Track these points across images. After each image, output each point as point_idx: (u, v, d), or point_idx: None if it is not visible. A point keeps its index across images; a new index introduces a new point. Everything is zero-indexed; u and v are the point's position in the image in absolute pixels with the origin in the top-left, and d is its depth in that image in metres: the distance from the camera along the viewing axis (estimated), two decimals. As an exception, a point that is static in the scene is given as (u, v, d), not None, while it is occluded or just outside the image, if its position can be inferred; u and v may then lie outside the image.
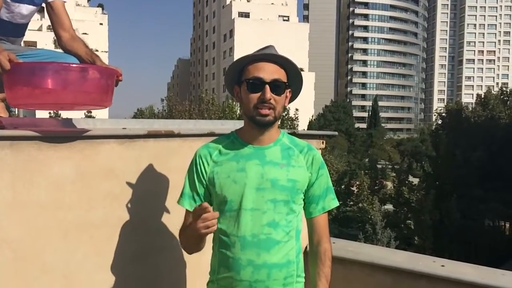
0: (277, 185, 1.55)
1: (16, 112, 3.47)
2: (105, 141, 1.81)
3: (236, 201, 1.55)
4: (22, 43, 2.31)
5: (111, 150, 1.83)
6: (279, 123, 1.66)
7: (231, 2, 68.41)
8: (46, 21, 56.98)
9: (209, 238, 1.68)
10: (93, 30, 59.87)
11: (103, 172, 1.81)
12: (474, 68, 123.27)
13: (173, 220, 2.02)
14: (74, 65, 1.66)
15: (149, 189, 1.98)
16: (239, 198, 1.54)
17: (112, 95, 1.68)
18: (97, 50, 59.56)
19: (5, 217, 1.53)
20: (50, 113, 39.11)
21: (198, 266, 1.91)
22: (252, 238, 1.52)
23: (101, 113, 52.20)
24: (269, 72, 1.54)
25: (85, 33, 59.00)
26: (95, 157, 1.79)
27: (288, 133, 1.74)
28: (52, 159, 1.64)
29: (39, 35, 53.33)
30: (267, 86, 1.52)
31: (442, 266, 2.35)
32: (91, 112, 43.72)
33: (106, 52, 61.50)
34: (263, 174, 1.55)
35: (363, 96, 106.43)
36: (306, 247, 2.76)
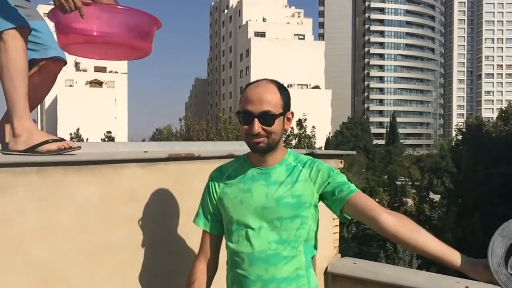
0: (281, 203, 1.57)
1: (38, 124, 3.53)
2: (127, 165, 1.86)
3: (242, 221, 1.60)
4: None
5: (133, 173, 1.88)
6: (282, 143, 1.67)
7: (247, 22, 69.34)
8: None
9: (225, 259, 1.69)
10: (113, 53, 61.07)
11: (125, 195, 1.85)
12: (493, 82, 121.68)
13: (194, 241, 2.04)
14: (135, 11, 1.81)
15: (170, 211, 2.01)
16: (246, 218, 1.59)
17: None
18: (116, 72, 60.79)
19: (32, 241, 1.57)
20: (71, 134, 39.78)
21: (218, 286, 1.92)
22: (259, 254, 1.56)
23: (120, 133, 52.97)
24: (259, 103, 1.52)
25: (105, 56, 60.27)
26: (118, 180, 1.83)
27: (306, 153, 1.75)
28: (77, 184, 1.69)
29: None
30: (256, 120, 1.52)
31: (466, 287, 2.31)
32: (110, 132, 44.32)
33: (125, 73, 62.71)
34: (267, 193, 1.59)
35: (380, 112, 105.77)
36: (327, 267, 2.75)
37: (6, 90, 1.83)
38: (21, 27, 1.84)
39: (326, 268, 2.75)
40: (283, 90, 1.60)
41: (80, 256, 1.70)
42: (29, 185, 1.56)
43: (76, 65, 57.19)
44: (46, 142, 1.78)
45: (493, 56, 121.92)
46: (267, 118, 1.53)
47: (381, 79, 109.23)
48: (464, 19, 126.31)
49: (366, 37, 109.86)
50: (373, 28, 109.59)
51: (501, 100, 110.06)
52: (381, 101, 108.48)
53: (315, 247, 1.67)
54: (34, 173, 1.58)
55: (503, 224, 1.35)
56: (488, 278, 1.34)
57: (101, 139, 37.15)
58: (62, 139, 1.84)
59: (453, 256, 1.42)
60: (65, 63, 2.15)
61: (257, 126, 1.53)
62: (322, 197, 1.62)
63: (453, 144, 37.48)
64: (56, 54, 2.09)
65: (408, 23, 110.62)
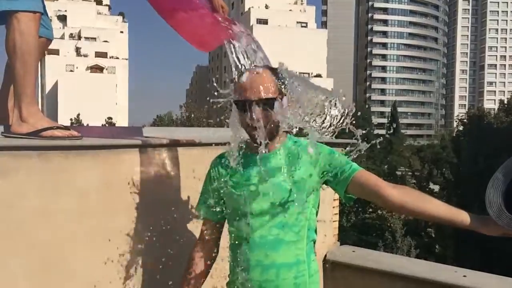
0: (281, 188, 1.58)
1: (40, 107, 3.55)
2: (128, 150, 1.86)
3: (243, 207, 1.60)
4: None
5: (133, 159, 1.87)
6: (282, 130, 1.64)
7: (249, 9, 68.74)
8: (68, 30, 58.18)
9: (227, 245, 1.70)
10: (114, 38, 60.81)
11: (126, 180, 1.85)
12: (496, 73, 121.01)
13: (195, 227, 2.05)
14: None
15: (170, 197, 2.01)
16: (246, 204, 1.60)
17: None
18: (117, 58, 60.54)
19: (33, 224, 1.58)
20: (71, 119, 39.70)
21: (219, 270, 1.93)
22: (260, 239, 1.57)
23: (121, 119, 52.90)
24: (256, 90, 1.52)
25: (106, 41, 60.03)
26: (119, 166, 1.83)
27: None
28: (78, 168, 1.69)
29: (62, 43, 54.43)
30: (255, 106, 1.52)
31: (464, 276, 2.32)
32: (111, 118, 44.26)
33: (126, 59, 62.41)
34: (267, 179, 1.59)
35: (382, 102, 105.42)
36: (326, 255, 2.76)
37: (17, 74, 1.83)
38: (38, 12, 1.83)
39: (325, 255, 2.76)
40: (277, 74, 1.59)
41: (80, 240, 1.71)
42: (30, 169, 1.57)
43: (77, 50, 56.89)
44: (51, 128, 1.78)
45: (496, 47, 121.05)
46: (266, 102, 1.53)
47: (383, 68, 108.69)
48: (469, 9, 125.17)
49: (369, 26, 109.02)
50: (376, 17, 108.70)
51: (503, 92, 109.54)
52: (383, 91, 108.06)
53: (316, 232, 1.68)
54: (35, 157, 1.58)
55: (490, 181, 1.43)
56: (500, 231, 1.39)
57: (102, 125, 37.13)
58: (67, 128, 1.84)
59: (463, 217, 1.46)
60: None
61: (258, 112, 1.52)
62: (325, 180, 1.62)
63: (454, 135, 37.47)
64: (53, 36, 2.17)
65: (412, 12, 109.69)
